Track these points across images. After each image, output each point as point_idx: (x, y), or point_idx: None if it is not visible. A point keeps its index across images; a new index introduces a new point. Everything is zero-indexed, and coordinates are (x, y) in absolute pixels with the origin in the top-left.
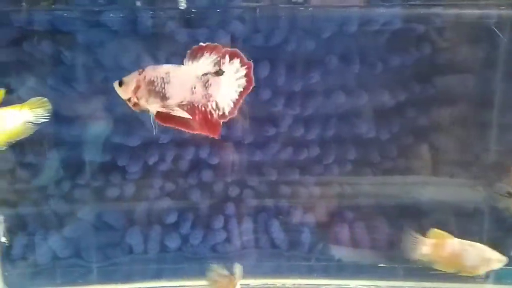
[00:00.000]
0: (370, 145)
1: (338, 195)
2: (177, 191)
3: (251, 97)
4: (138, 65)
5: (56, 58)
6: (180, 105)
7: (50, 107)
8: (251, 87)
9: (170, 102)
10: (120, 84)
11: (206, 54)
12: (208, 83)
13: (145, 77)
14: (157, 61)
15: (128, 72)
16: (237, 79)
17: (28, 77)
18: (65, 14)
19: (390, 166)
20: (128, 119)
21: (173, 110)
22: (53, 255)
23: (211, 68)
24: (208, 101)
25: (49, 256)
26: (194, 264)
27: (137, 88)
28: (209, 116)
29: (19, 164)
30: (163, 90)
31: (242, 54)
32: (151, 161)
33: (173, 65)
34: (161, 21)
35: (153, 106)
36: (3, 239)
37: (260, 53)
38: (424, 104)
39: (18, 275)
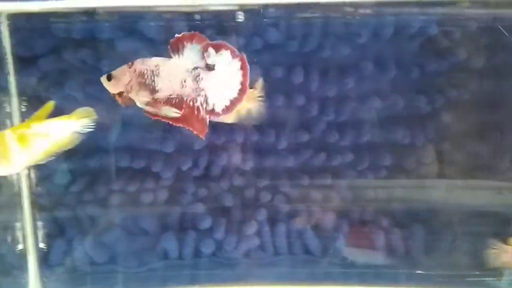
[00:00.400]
0: (405, 151)
1: (372, 201)
2: (209, 197)
3: (286, 102)
4: None
5: (95, 66)
6: (169, 99)
7: (95, 116)
8: (247, 82)
9: (159, 95)
10: (109, 78)
11: (187, 44)
12: (199, 77)
13: (135, 70)
14: None
15: None
16: (231, 73)
17: (68, 85)
18: (106, 24)
19: (424, 171)
20: (163, 125)
21: (159, 110)
22: (90, 261)
23: (200, 61)
24: (198, 95)
25: (86, 262)
26: (228, 269)
27: (129, 79)
28: (195, 112)
29: (57, 170)
30: (153, 83)
31: (230, 46)
32: (185, 167)
33: (163, 58)
34: (197, 29)
35: (142, 100)
36: (42, 245)
37: (295, 59)
38: (458, 109)
39: (56, 280)
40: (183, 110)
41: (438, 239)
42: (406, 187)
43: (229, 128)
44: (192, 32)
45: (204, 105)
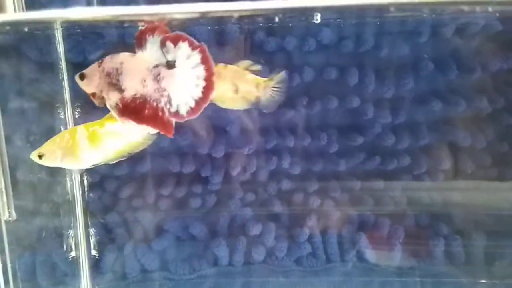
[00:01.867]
0: (465, 153)
1: (429, 206)
2: (259, 202)
3: (341, 105)
4: None
5: None
6: (134, 98)
7: None
8: (212, 77)
9: (125, 94)
10: (82, 77)
11: (149, 38)
12: (160, 76)
13: (103, 69)
14: None
15: None
16: (192, 68)
17: None
18: None
19: (483, 174)
20: (213, 129)
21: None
22: (141, 268)
23: (161, 57)
24: (161, 95)
25: (137, 269)
26: (280, 277)
27: (99, 79)
28: (159, 113)
29: (107, 176)
30: (118, 82)
31: (189, 37)
32: (235, 171)
33: (130, 54)
34: (249, 31)
35: (113, 101)
36: (94, 252)
37: (350, 60)
38: None
39: None
40: (146, 111)
41: (501, 246)
42: (465, 192)
43: (280, 131)
44: (156, 23)
45: (168, 106)
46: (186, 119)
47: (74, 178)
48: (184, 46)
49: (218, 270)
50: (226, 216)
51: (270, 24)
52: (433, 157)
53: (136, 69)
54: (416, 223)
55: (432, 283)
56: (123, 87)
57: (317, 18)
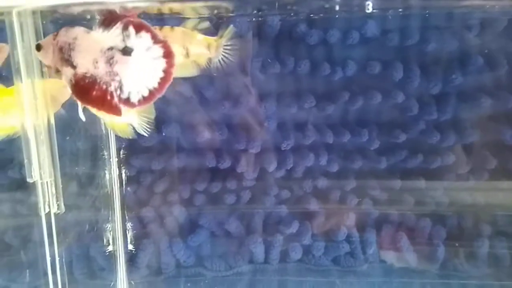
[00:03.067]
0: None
1: (471, 206)
2: (295, 199)
3: (384, 100)
4: (264, 71)
5: None
6: (84, 76)
7: (153, 115)
8: (172, 71)
9: (77, 71)
10: (38, 48)
11: (120, 25)
12: (113, 60)
13: (57, 42)
14: (284, 66)
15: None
16: (151, 60)
17: None
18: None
19: None
20: (250, 124)
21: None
22: (177, 263)
23: (120, 42)
24: (113, 79)
25: (173, 264)
26: (318, 276)
27: (52, 53)
28: (108, 97)
29: (144, 171)
30: (70, 58)
31: (153, 29)
32: (270, 168)
33: (84, 29)
34: (290, 23)
35: (67, 75)
36: (131, 247)
37: (395, 54)
38: None
39: (143, 283)
40: (94, 92)
41: None
42: (511, 192)
43: (319, 127)
44: (132, 13)
45: (118, 92)
46: (136, 107)
47: (113, 171)
48: (145, 37)
49: (254, 267)
50: (261, 213)
51: (312, 16)
52: (479, 156)
53: (89, 48)
54: (458, 223)
55: (476, 285)
56: (75, 64)
57: (369, 8)
